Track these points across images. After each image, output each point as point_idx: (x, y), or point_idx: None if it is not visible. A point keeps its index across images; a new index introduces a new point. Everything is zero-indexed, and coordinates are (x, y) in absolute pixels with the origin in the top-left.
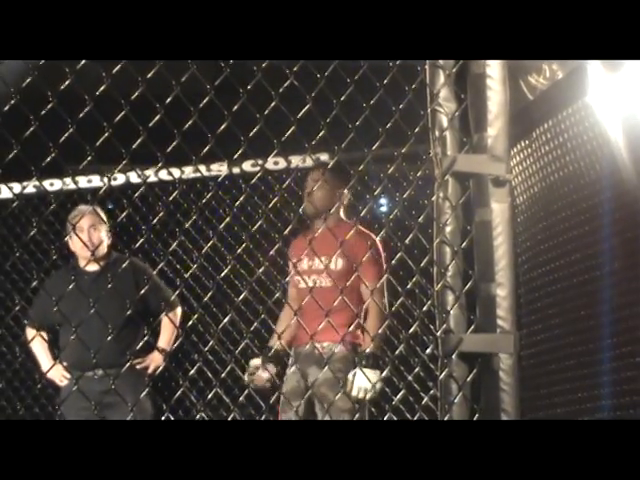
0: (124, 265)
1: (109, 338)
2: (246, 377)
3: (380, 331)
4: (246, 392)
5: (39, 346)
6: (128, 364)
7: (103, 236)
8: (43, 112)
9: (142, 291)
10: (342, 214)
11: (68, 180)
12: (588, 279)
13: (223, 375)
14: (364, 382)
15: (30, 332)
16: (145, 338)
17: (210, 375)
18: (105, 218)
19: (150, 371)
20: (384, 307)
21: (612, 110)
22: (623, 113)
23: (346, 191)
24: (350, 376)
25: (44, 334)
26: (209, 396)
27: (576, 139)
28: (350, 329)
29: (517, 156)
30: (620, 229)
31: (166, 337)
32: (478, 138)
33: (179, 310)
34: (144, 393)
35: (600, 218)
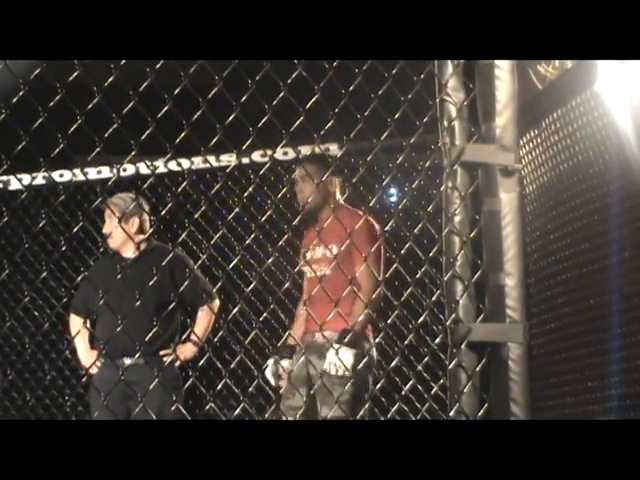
0: (159, 254)
1: (136, 326)
2: (272, 379)
3: (367, 311)
4: (255, 383)
5: (79, 334)
6: (164, 354)
7: (125, 225)
8: (52, 103)
9: (176, 280)
10: (341, 200)
11: (77, 171)
12: (597, 268)
13: (233, 365)
14: (334, 358)
15: (72, 318)
16: (178, 329)
17: (220, 365)
18: (136, 207)
19: (179, 363)
20: (373, 289)
21: (621, 99)
22: (632, 102)
23: (336, 179)
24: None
25: (84, 321)
26: (219, 386)
27: (585, 128)
28: (360, 318)
29: (526, 146)
30: (629, 218)
31: (200, 329)
32: (486, 128)
33: (217, 303)
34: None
35: (609, 207)
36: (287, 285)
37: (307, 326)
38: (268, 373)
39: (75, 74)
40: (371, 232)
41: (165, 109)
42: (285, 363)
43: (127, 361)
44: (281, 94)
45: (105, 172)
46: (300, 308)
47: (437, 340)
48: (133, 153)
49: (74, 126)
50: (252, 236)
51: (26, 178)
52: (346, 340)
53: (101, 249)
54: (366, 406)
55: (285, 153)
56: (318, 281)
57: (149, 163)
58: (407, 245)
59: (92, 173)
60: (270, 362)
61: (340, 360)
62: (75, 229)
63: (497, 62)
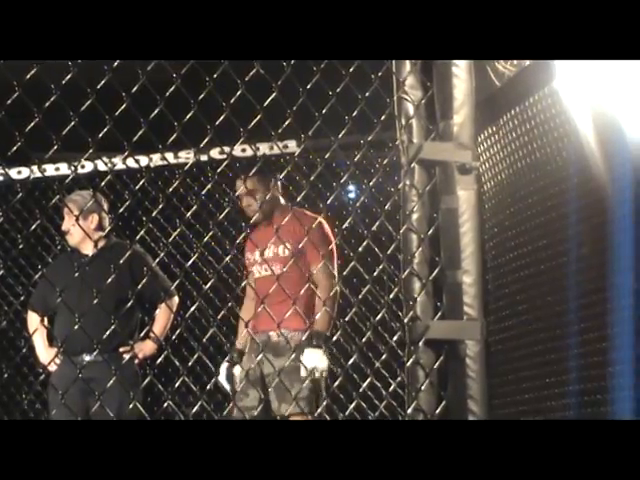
0: (118, 250)
1: (95, 323)
2: (227, 385)
3: (330, 310)
4: (214, 380)
5: (37, 331)
6: (123, 351)
7: (82, 223)
8: (9, 101)
9: (135, 277)
10: (282, 201)
11: (35, 168)
12: (555, 265)
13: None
14: (314, 362)
15: (30, 316)
16: (137, 325)
17: (177, 363)
18: (94, 204)
19: (138, 360)
20: (332, 287)
21: (579, 96)
22: (591, 99)
23: (274, 182)
24: (300, 357)
25: (42, 318)
26: (177, 384)
27: (543, 126)
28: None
29: (484, 143)
30: (587, 215)
31: (158, 327)
32: (444, 125)
33: (175, 300)
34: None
35: (567, 204)
36: (245, 283)
37: (257, 325)
38: (222, 378)
39: (32, 72)
40: (322, 231)
41: (123, 106)
42: (237, 369)
43: (86, 358)
44: (239, 92)
45: (63, 169)
46: (244, 311)
47: (395, 337)
48: (90, 150)
49: (32, 124)
50: (210, 233)
51: None
52: (316, 342)
53: (59, 246)
54: (324, 402)
55: (243, 150)
56: (271, 280)
57: (107, 160)
58: (365, 242)
59: (50, 170)
60: (223, 367)
61: (322, 361)
62: (33, 226)
63: (454, 60)
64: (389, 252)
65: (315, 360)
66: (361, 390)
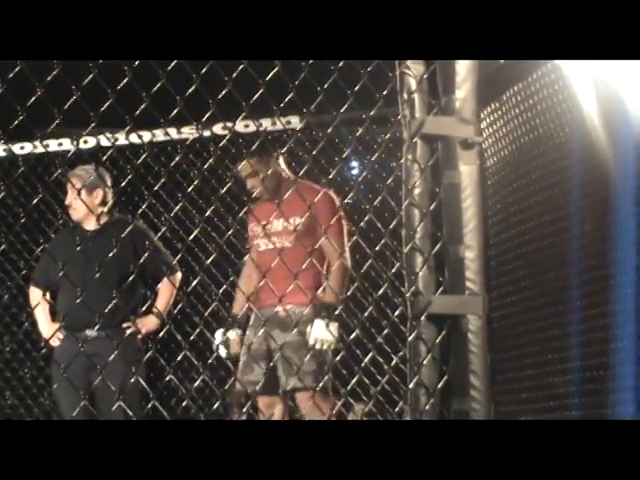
0: (121, 226)
1: (98, 298)
2: (223, 351)
3: (341, 284)
4: (216, 355)
5: (39, 306)
6: (126, 326)
7: (87, 198)
8: (11, 75)
9: (138, 253)
10: (287, 175)
11: (38, 143)
12: (558, 241)
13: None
14: (322, 333)
15: (32, 291)
16: (140, 301)
17: (180, 338)
18: (99, 179)
19: (141, 335)
20: (345, 259)
21: (582, 72)
22: (592, 75)
23: (276, 158)
24: (308, 328)
25: (44, 293)
26: (179, 358)
27: (545, 101)
28: (319, 291)
29: (487, 118)
30: (590, 191)
31: (162, 301)
32: (446, 100)
33: (179, 275)
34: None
35: (570, 180)
36: (247, 257)
37: (264, 299)
38: (217, 344)
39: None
40: (332, 206)
41: (125, 81)
42: (232, 333)
43: (89, 333)
44: (241, 67)
45: (66, 144)
46: (243, 280)
47: (397, 312)
48: (93, 125)
49: (33, 98)
50: (212, 208)
51: None
52: (325, 314)
53: (61, 221)
54: (327, 376)
55: (246, 126)
56: (278, 254)
57: (110, 135)
58: (367, 217)
59: (53, 145)
60: (218, 333)
61: (330, 333)
62: (35, 201)
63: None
64: (391, 227)
65: (323, 332)
66: (363, 365)
